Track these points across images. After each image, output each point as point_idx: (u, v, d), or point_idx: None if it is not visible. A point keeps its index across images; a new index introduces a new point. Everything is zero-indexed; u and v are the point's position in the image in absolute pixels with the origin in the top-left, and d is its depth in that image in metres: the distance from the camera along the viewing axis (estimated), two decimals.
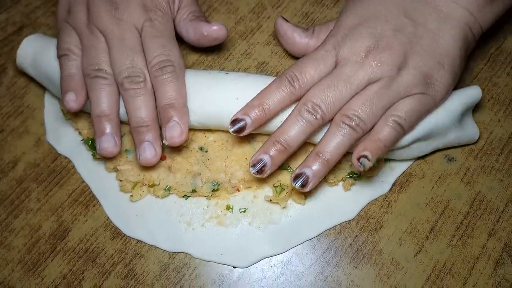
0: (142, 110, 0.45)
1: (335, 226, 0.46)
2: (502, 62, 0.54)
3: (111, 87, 0.46)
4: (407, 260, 0.44)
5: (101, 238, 0.46)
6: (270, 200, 0.46)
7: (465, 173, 0.48)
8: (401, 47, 0.44)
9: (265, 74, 0.53)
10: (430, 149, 0.47)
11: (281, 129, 0.44)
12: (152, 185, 0.47)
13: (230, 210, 0.46)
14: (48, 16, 0.59)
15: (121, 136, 0.47)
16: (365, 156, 0.41)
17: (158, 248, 0.45)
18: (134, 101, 0.45)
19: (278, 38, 0.52)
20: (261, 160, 0.43)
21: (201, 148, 0.48)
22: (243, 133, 0.44)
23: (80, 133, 0.50)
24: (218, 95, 0.46)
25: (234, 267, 0.44)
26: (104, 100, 0.45)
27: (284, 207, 0.46)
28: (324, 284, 0.43)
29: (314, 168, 0.43)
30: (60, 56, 0.47)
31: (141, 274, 0.44)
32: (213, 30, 0.49)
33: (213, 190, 0.46)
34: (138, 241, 0.46)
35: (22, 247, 0.46)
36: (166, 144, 0.45)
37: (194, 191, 0.47)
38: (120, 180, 0.48)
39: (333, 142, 0.42)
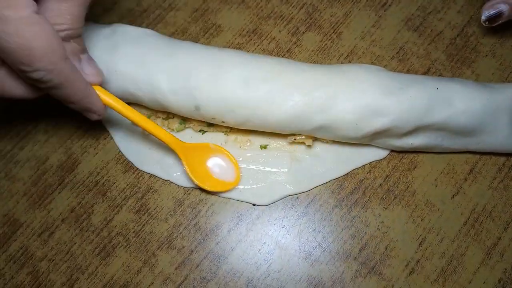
0: None
1: (364, 165, 0.42)
2: None
3: None
4: (443, 202, 0.40)
5: (112, 171, 0.43)
6: (294, 139, 0.42)
7: None
8: None
9: (290, 5, 0.49)
10: (458, 147, 0.40)
11: None
12: (167, 118, 0.44)
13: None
14: None
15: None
16: None
17: (173, 183, 0.42)
18: None
19: None
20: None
21: None
22: (497, 23, 0.42)
23: None
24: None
25: (254, 205, 0.41)
26: None
27: (309, 145, 0.42)
28: (350, 224, 0.40)
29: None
30: None
31: (154, 209, 0.41)
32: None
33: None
34: (151, 175, 0.43)
35: (27, 179, 0.43)
36: None
37: (211, 125, 0.43)
38: None
39: None
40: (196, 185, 0.40)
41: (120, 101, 0.37)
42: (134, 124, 0.38)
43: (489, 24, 0.42)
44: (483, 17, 0.42)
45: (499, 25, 0.46)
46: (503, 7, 0.41)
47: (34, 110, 0.46)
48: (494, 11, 0.42)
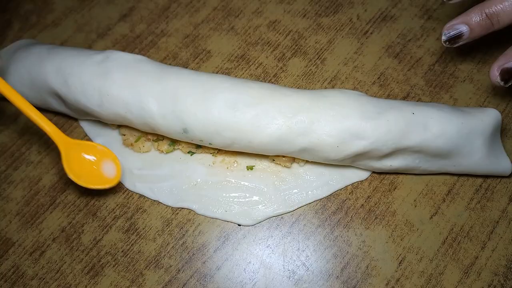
0: None
1: (346, 186, 0.44)
2: None
3: None
4: (422, 222, 0.42)
5: (103, 191, 0.44)
6: (273, 160, 0.44)
7: None
8: None
9: (277, 33, 0.51)
10: (436, 168, 0.42)
11: None
12: (157, 140, 0.45)
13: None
14: None
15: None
16: None
17: (161, 203, 0.43)
18: None
19: None
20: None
21: None
22: (458, 44, 0.41)
23: None
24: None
25: (239, 225, 0.42)
26: None
27: (286, 166, 0.44)
28: (333, 244, 0.41)
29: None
30: None
31: (143, 229, 0.42)
32: None
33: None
34: (141, 195, 0.44)
35: (20, 199, 0.44)
36: None
37: (199, 147, 0.45)
38: (124, 135, 0.46)
39: None
40: (71, 179, 0.41)
41: (8, 85, 0.39)
42: (19, 109, 0.39)
43: (450, 45, 0.42)
44: (443, 38, 0.42)
45: (474, 51, 0.49)
46: (463, 28, 0.41)
47: (27, 132, 0.48)
48: (454, 32, 0.41)
